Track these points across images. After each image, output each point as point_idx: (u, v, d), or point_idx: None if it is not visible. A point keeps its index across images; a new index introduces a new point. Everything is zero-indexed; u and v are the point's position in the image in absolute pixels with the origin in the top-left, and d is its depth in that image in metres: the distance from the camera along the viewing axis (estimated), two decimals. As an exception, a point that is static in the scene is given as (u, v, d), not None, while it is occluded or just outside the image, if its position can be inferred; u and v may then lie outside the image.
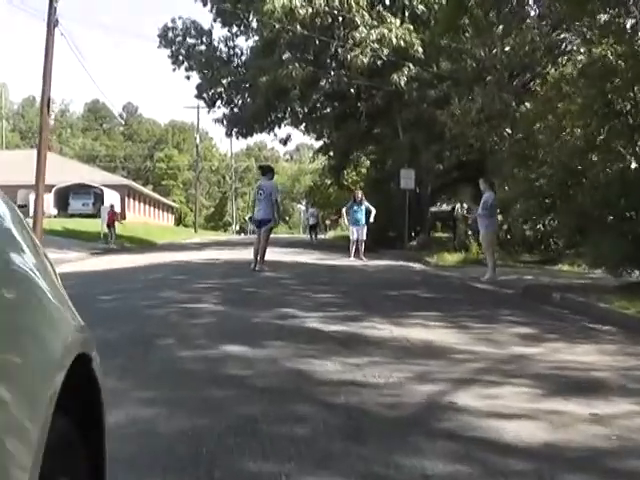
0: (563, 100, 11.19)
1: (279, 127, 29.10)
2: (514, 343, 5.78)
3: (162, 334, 5.82)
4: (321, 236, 38.61)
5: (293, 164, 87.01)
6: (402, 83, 22.25)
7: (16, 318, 1.12)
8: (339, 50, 23.44)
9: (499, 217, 14.14)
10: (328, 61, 24.98)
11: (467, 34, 17.71)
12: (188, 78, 27.73)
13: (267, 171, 13.73)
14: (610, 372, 4.68)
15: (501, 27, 16.70)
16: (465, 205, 22.81)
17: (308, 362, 4.76)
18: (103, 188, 41.47)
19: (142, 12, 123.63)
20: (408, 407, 3.71)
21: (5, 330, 1.06)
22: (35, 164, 19.40)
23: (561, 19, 15.56)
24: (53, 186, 36.48)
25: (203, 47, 27.32)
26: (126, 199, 45.56)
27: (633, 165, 9.92)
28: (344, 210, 19.30)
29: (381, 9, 23.57)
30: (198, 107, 51.19)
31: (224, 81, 27.16)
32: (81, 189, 42.17)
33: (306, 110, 28.15)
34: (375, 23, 22.69)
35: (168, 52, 27.08)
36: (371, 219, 18.10)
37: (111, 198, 37.00)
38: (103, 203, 33.06)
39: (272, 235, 13.93)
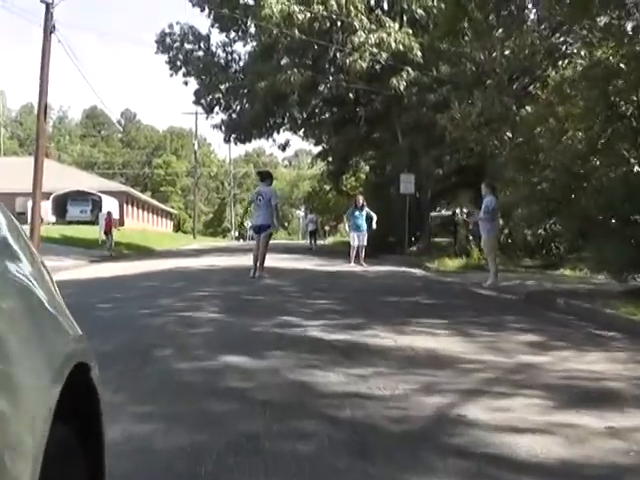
0: (564, 103, 11.10)
1: (278, 133, 29.01)
2: (521, 351, 5.63)
3: (160, 344, 5.70)
4: (320, 242, 38.47)
5: (292, 170, 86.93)
6: (401, 87, 22.16)
7: (13, 328, 1.11)
8: (338, 55, 23.36)
9: (500, 221, 14.01)
10: (327, 66, 24.89)
11: (466, 38, 17.65)
12: (186, 84, 27.61)
13: (266, 177, 13.65)
14: (622, 382, 4.53)
15: (501, 30, 16.65)
16: (465, 209, 22.70)
17: (310, 373, 4.62)
18: (101, 195, 41.34)
19: (140, 18, 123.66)
20: (416, 421, 3.56)
21: (2, 340, 1.04)
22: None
23: (561, 22, 15.51)
24: (51, 193, 36.41)
25: (201, 53, 27.19)
26: (124, 206, 45.44)
27: (637, 168, 9.82)
28: (345, 216, 19.18)
29: (380, 13, 23.50)
30: (196, 113, 51.25)
31: (222, 87, 27.01)
32: (79, 196, 42.05)
33: (305, 115, 28.03)
34: (374, 27, 22.61)
35: (166, 58, 26.96)
36: (373, 225, 17.95)
37: (109, 205, 36.85)
38: (101, 210, 32.92)
39: (271, 241, 13.82)
